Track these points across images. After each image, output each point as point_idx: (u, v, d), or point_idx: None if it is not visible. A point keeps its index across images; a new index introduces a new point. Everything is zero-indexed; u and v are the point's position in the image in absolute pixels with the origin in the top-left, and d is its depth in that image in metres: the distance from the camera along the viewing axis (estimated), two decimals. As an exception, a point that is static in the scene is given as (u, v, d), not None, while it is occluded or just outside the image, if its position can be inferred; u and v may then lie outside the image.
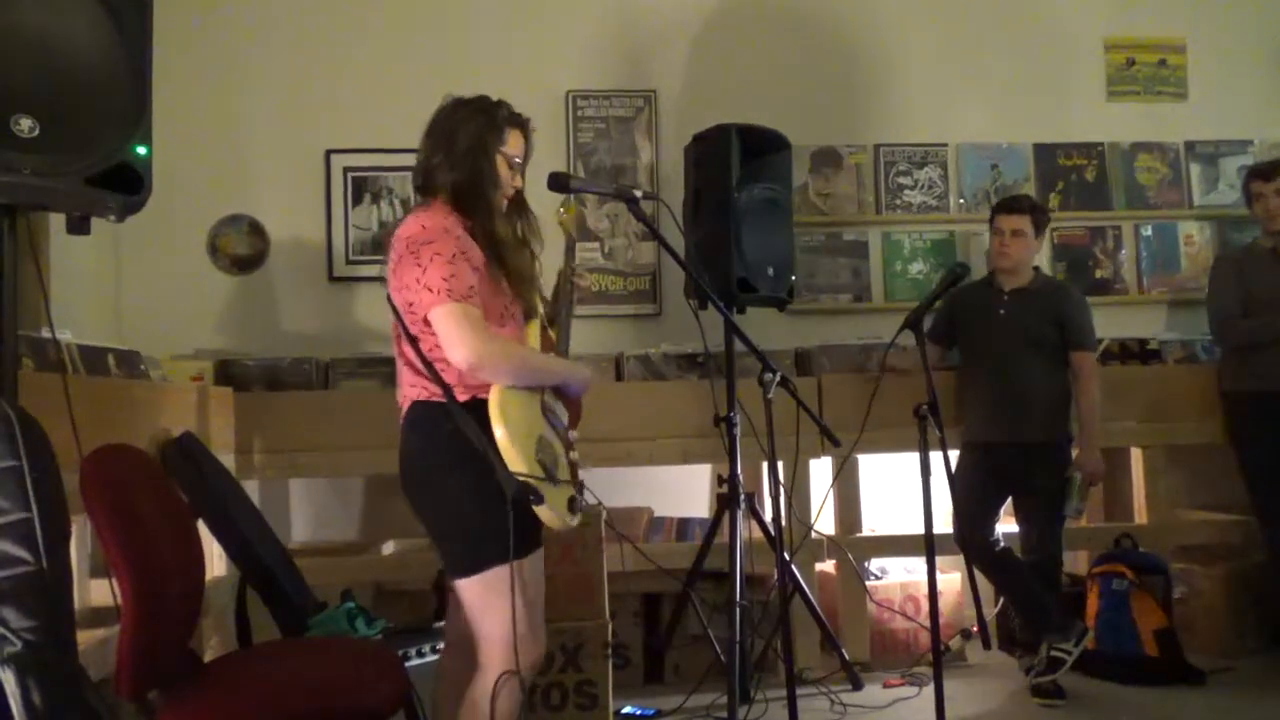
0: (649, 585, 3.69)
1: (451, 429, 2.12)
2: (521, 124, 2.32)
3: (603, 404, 3.67)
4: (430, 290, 2.10)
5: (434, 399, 2.17)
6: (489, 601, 2.14)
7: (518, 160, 2.32)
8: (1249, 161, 4.38)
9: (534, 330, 2.38)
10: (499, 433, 2.08)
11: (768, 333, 4.02)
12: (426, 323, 2.13)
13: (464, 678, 2.20)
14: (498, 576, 2.11)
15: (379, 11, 4.24)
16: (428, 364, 2.16)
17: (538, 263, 2.37)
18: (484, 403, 2.12)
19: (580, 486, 2.32)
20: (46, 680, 1.62)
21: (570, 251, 2.55)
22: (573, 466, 2.31)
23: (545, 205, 2.68)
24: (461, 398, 2.15)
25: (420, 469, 2.21)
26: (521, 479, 2.05)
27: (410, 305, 2.15)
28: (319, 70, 4.19)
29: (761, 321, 4.01)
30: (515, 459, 2.07)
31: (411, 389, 2.21)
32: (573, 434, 2.37)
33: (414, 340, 2.17)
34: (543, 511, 2.08)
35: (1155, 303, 4.48)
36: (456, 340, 2.08)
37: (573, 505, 2.19)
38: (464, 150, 2.22)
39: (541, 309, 2.44)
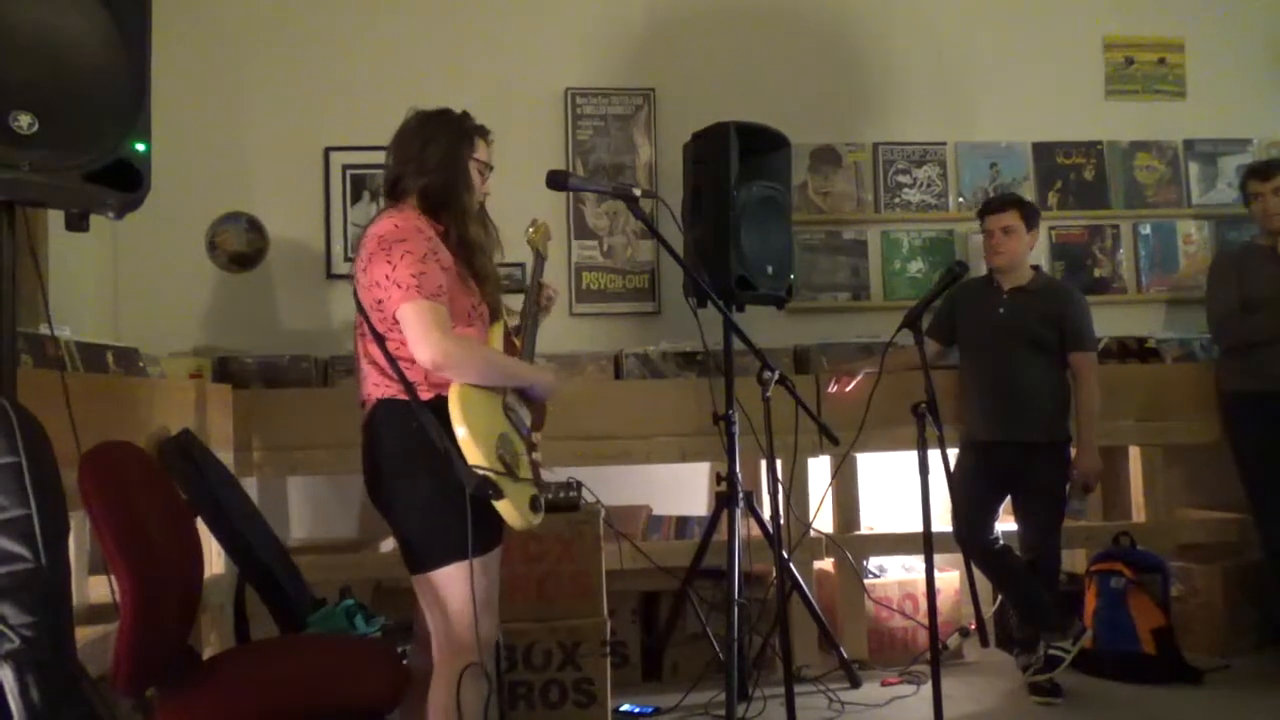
0: (647, 583, 3.69)
1: (415, 426, 2.15)
2: (484, 134, 2.39)
3: (601, 402, 3.69)
4: (399, 286, 2.13)
5: (399, 397, 2.19)
6: (448, 596, 2.16)
7: (489, 167, 2.39)
8: (1247, 160, 4.38)
9: (497, 331, 2.42)
10: (459, 429, 2.09)
11: (766, 331, 4.03)
12: (395, 320, 2.15)
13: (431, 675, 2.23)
14: (456, 572, 2.14)
15: (378, 9, 4.24)
16: (393, 362, 2.18)
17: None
18: (447, 401, 2.14)
19: (543, 486, 2.35)
20: (45, 677, 1.63)
21: (539, 268, 2.60)
22: (535, 467, 2.34)
23: (540, 204, 2.68)
24: (426, 396, 2.18)
25: (385, 468, 2.23)
26: (481, 473, 2.06)
27: (379, 303, 2.18)
28: (318, 67, 4.18)
29: (760, 320, 4.01)
30: (475, 454, 2.08)
31: (376, 388, 2.24)
32: (536, 436, 2.40)
33: (380, 339, 2.20)
34: (503, 507, 2.10)
35: (1153, 301, 4.49)
36: (422, 337, 2.10)
37: (535, 504, 2.21)
38: (437, 159, 2.27)
39: (505, 315, 2.47)
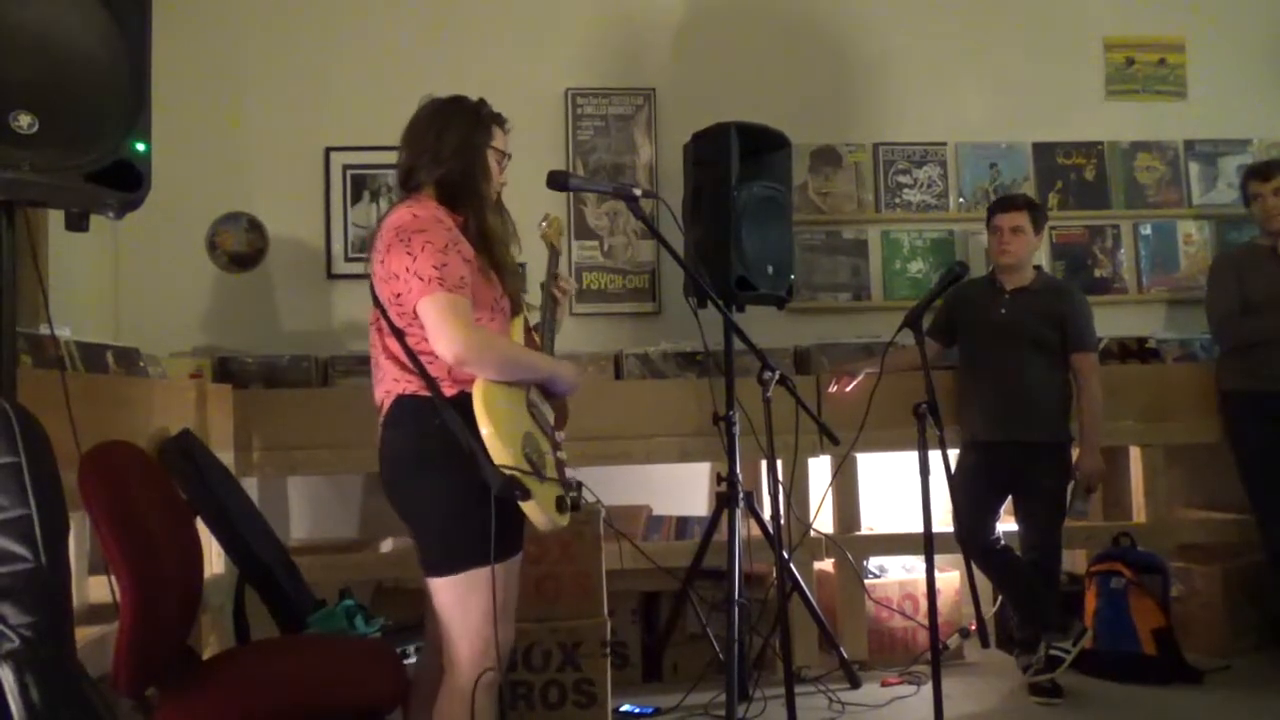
0: (647, 584, 3.69)
1: (438, 424, 2.07)
2: (501, 121, 2.32)
3: (601, 402, 3.69)
4: (421, 279, 2.05)
5: (420, 394, 2.12)
6: (464, 602, 2.10)
7: (506, 155, 2.33)
8: (1248, 161, 4.38)
9: (518, 325, 2.36)
10: (484, 427, 2.02)
11: (766, 331, 4.02)
12: (414, 314, 2.08)
13: (440, 678, 2.17)
14: (474, 578, 2.08)
15: (379, 8, 4.24)
16: (414, 357, 2.11)
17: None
18: (471, 397, 2.07)
19: (568, 485, 2.28)
20: (45, 677, 1.62)
21: (553, 261, 2.56)
22: (559, 466, 2.26)
23: (541, 204, 2.68)
24: (449, 392, 2.11)
25: (405, 466, 2.15)
26: (508, 473, 2.00)
27: (398, 296, 2.10)
28: (319, 67, 4.18)
29: (760, 320, 4.01)
30: (501, 453, 2.01)
31: (395, 384, 2.15)
32: (560, 434, 2.33)
33: (399, 334, 2.13)
34: (529, 508, 2.04)
35: (1154, 302, 4.49)
36: (444, 331, 2.03)
37: (561, 504, 2.13)
38: (453, 147, 2.21)
39: (525, 309, 2.43)
